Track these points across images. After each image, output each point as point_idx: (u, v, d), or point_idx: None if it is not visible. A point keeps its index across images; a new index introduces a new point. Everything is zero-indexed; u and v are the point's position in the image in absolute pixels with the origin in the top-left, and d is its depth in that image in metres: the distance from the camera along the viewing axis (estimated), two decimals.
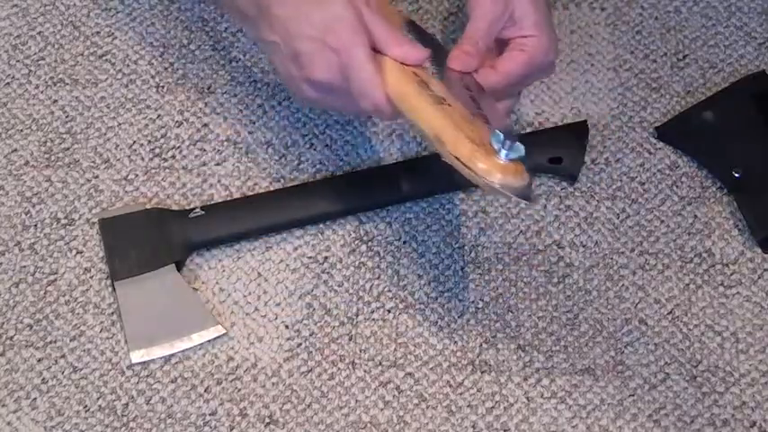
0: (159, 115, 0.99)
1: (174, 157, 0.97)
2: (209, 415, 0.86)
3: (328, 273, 0.92)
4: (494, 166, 0.72)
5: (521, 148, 0.71)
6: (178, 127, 0.98)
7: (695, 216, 0.95)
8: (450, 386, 0.87)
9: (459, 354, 0.89)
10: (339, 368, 0.88)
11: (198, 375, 0.87)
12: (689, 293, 0.91)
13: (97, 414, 0.86)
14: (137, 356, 0.87)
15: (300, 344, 0.89)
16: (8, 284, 0.91)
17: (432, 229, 0.94)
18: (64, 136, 0.98)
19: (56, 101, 1.00)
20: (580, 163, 0.96)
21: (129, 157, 0.97)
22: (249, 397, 0.87)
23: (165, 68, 1.01)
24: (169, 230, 0.92)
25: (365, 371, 0.88)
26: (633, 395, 0.87)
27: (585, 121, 0.98)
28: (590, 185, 0.96)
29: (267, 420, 0.86)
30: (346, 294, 0.91)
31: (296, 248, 0.93)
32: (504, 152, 0.71)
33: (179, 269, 0.91)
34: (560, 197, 0.96)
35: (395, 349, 0.89)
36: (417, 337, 0.89)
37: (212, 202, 0.94)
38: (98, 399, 0.86)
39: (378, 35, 0.78)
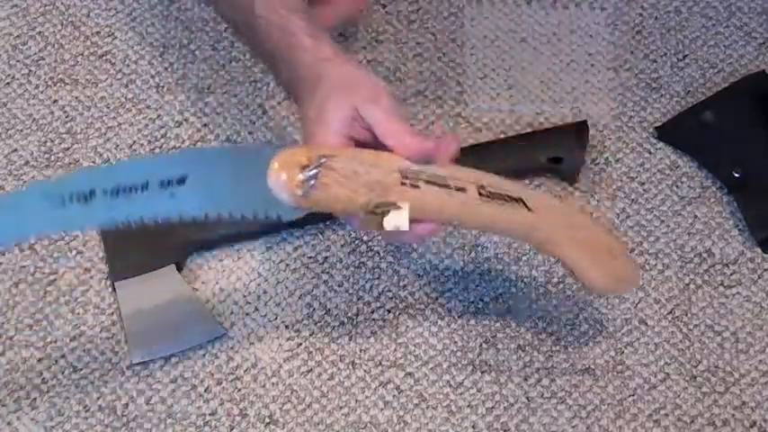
0: (159, 115, 0.99)
1: None
2: (209, 415, 0.86)
3: (328, 273, 0.92)
4: None
5: None
6: (178, 127, 0.98)
7: (695, 216, 0.95)
8: (451, 386, 0.87)
9: (459, 354, 0.89)
10: (339, 368, 0.88)
11: (198, 375, 0.87)
12: (689, 293, 0.91)
13: (97, 414, 0.86)
14: (137, 356, 0.87)
15: (300, 344, 0.89)
16: (8, 284, 0.91)
17: None
18: (64, 136, 0.98)
19: (56, 101, 1.00)
20: (580, 163, 0.96)
21: (129, 157, 0.97)
22: (249, 397, 0.86)
23: (165, 68, 1.01)
24: (169, 230, 0.91)
25: (365, 371, 0.88)
26: (633, 395, 0.87)
27: (585, 121, 0.98)
28: (590, 185, 0.96)
29: (267, 420, 0.86)
30: (346, 294, 0.91)
31: (296, 248, 0.93)
32: None
33: (179, 269, 0.91)
34: (560, 197, 0.96)
35: (395, 349, 0.89)
36: (417, 337, 0.89)
37: None
38: (98, 399, 0.86)
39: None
